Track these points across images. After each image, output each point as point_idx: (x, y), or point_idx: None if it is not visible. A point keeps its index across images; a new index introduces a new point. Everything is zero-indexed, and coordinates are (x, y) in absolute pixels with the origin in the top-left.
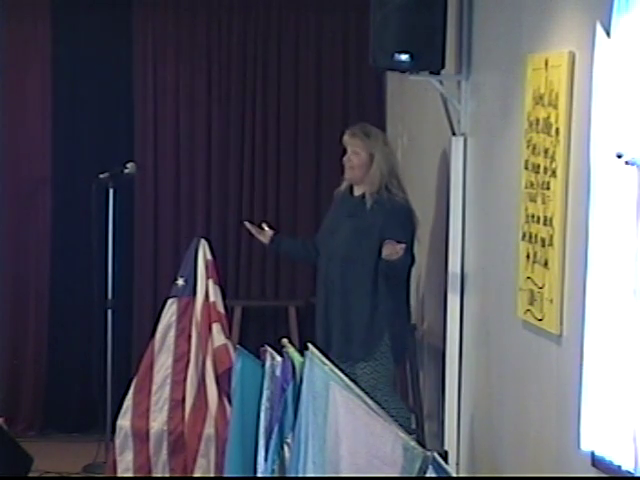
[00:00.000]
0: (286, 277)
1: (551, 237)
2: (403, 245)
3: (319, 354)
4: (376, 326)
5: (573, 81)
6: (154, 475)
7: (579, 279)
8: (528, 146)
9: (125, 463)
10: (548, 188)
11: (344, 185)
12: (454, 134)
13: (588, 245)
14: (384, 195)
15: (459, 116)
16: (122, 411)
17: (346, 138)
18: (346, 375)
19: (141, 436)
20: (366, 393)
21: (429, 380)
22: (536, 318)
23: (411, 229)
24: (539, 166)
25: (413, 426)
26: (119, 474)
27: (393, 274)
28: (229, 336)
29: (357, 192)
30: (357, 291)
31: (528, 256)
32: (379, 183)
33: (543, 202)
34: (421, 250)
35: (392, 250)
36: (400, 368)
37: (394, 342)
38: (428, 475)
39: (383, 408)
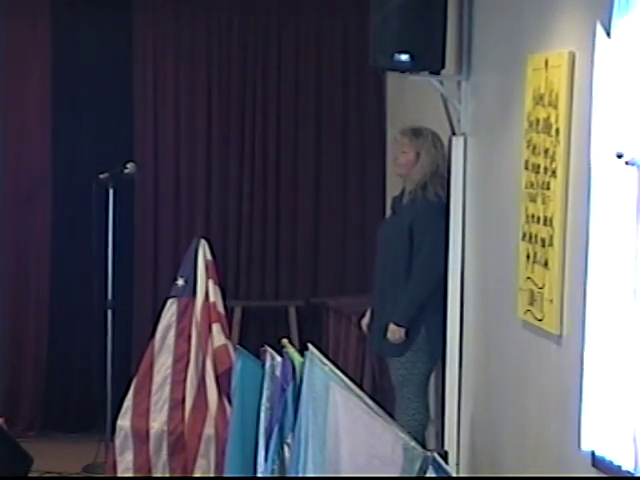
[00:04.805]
0: (286, 277)
1: (551, 237)
2: (402, 329)
3: (319, 354)
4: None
5: (573, 81)
6: (154, 475)
7: (579, 279)
8: (528, 146)
9: (125, 463)
10: (548, 188)
11: (401, 188)
12: (454, 134)
13: (588, 245)
14: (419, 193)
15: (459, 116)
16: (122, 411)
17: (397, 135)
18: (347, 376)
19: (141, 436)
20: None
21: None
22: (536, 318)
23: (442, 226)
24: (539, 166)
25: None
26: (119, 474)
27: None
28: (229, 336)
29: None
30: (391, 287)
31: (528, 256)
32: (420, 182)
33: (543, 202)
34: None
35: (392, 335)
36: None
37: (430, 338)
38: (428, 475)
39: (403, 407)
